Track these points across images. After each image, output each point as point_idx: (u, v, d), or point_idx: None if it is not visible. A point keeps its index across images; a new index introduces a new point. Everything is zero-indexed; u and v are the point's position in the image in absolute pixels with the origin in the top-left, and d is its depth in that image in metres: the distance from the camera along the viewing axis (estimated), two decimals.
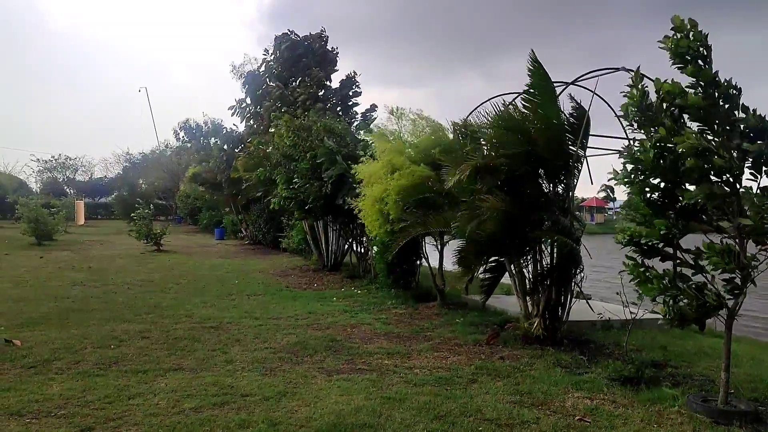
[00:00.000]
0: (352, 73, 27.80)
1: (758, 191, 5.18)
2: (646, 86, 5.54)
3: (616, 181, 5.84)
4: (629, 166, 5.57)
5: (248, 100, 28.95)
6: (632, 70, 5.92)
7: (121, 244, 25.86)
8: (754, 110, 5.10)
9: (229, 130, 32.44)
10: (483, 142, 8.39)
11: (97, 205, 62.82)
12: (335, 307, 11.12)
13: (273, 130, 18.01)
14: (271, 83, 28.29)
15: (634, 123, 5.61)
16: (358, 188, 11.65)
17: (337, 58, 28.10)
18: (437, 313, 10.47)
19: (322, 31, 27.92)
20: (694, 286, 5.45)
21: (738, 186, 5.22)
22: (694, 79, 5.17)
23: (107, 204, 62.05)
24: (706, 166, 5.16)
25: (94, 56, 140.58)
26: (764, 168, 5.13)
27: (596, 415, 5.43)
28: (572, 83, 8.46)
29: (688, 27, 5.15)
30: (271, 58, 28.06)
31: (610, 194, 6.58)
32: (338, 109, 24.32)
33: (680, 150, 5.25)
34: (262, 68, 28.26)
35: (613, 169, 5.83)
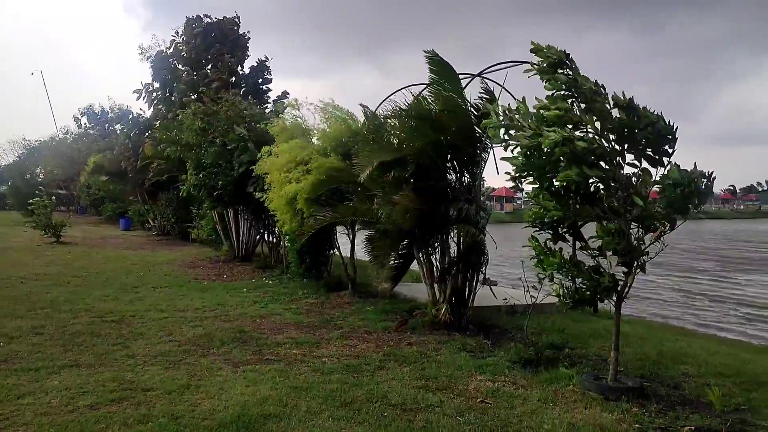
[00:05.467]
0: (264, 58, 27.24)
1: (639, 172, 5.58)
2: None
3: (518, 172, 6.07)
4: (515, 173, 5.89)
5: (156, 85, 27.76)
6: (533, 63, 6.17)
7: (15, 237, 24.27)
8: (627, 95, 5.54)
9: (135, 115, 31.06)
10: (394, 133, 8.47)
11: None
12: (245, 298, 10.94)
13: (184, 113, 17.35)
14: (181, 67, 27.27)
15: (507, 140, 5.89)
16: (268, 178, 11.51)
17: (249, 44, 27.45)
18: (348, 302, 10.51)
19: (235, 15, 27.13)
20: (589, 268, 5.74)
21: (616, 169, 5.56)
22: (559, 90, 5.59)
23: (1, 194, 57.99)
24: (569, 152, 5.44)
25: None
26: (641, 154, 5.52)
27: (497, 396, 5.63)
28: (479, 75, 8.67)
29: (545, 49, 5.65)
30: (181, 40, 27.03)
31: (518, 184, 6.80)
32: (250, 96, 23.71)
33: (546, 145, 5.51)
34: (171, 51, 27.15)
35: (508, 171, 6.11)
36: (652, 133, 5.45)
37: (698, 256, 31.33)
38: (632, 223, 5.57)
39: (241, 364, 6.55)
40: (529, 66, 7.38)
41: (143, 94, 28.35)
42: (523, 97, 5.84)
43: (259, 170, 11.87)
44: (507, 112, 5.83)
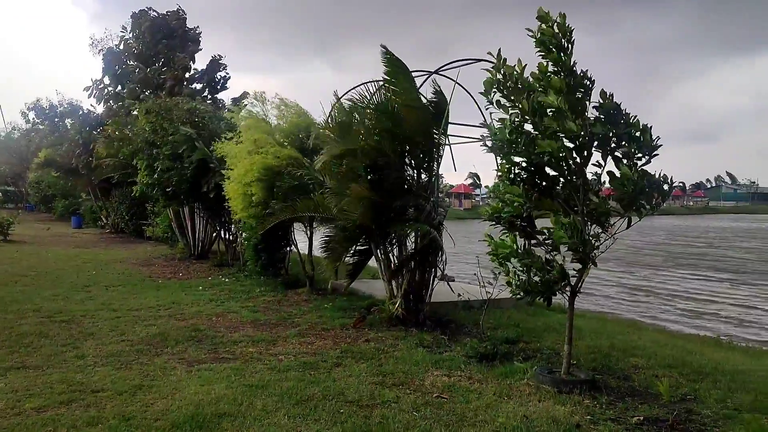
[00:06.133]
0: (218, 56, 26.81)
1: (605, 175, 5.69)
2: (507, 71, 5.83)
3: (488, 150, 6.09)
4: (490, 142, 5.86)
5: (106, 80, 27.07)
6: (493, 61, 6.22)
7: None
8: (611, 95, 5.52)
9: (86, 111, 30.23)
10: (352, 125, 8.46)
11: None
12: (201, 296, 10.78)
13: (135, 112, 17.05)
14: (132, 63, 26.66)
15: (494, 102, 5.88)
16: (225, 172, 11.37)
17: (200, 39, 26.97)
18: (306, 299, 10.46)
19: (178, 8, 26.54)
20: (542, 260, 5.83)
21: (584, 165, 5.65)
22: (556, 67, 5.52)
23: None
24: (559, 127, 5.48)
25: None
26: (610, 155, 5.61)
27: (453, 391, 5.68)
28: (435, 72, 8.74)
29: (556, 19, 5.47)
30: (130, 35, 26.41)
31: (477, 181, 6.86)
32: (206, 93, 23.33)
33: (537, 130, 5.55)
34: (121, 46, 26.52)
35: (484, 144, 6.11)
36: (629, 143, 5.52)
37: (645, 252, 32.22)
38: (587, 218, 5.68)
39: (195, 363, 6.45)
40: (480, 64, 7.51)
41: (94, 91, 27.64)
42: (520, 62, 5.78)
43: (220, 151, 11.67)
44: (506, 72, 5.78)
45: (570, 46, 5.54)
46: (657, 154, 5.48)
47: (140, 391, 5.48)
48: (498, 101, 5.84)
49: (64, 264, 15.35)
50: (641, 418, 5.05)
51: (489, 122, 6.09)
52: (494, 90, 5.83)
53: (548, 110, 5.48)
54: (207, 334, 7.78)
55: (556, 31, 5.48)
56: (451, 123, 8.58)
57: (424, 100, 8.22)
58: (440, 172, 8.73)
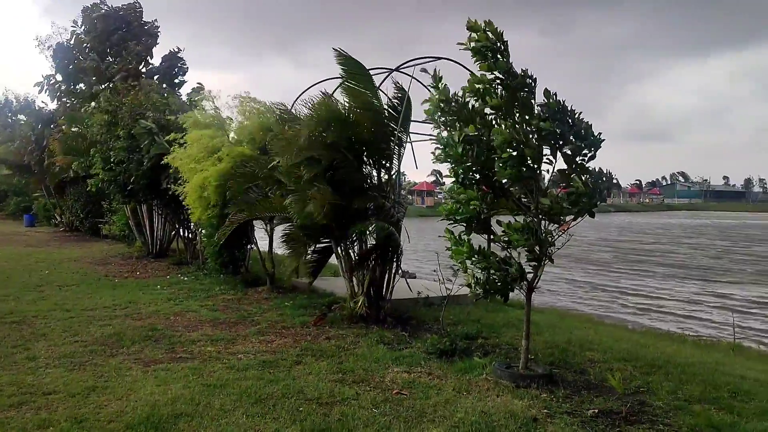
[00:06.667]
0: (176, 49, 26.32)
1: (555, 173, 5.78)
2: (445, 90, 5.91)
3: (435, 161, 6.16)
4: (439, 152, 5.91)
5: (59, 77, 26.32)
6: (453, 60, 6.28)
7: None
8: (555, 94, 5.63)
9: (38, 108, 29.37)
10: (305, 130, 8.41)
11: None
12: (159, 295, 10.60)
13: (92, 106, 16.66)
14: (84, 57, 25.97)
15: (440, 124, 5.95)
16: (178, 180, 11.23)
17: (158, 32, 26.43)
18: (266, 298, 10.38)
19: (135, 2, 25.93)
20: (499, 259, 5.90)
21: (538, 169, 5.73)
22: (492, 74, 5.61)
23: None
24: (515, 153, 5.58)
25: None
26: (558, 152, 5.70)
27: (413, 387, 5.70)
28: (395, 70, 8.75)
29: (483, 26, 5.57)
30: (81, 30, 25.72)
31: (439, 179, 6.89)
32: (164, 86, 22.84)
33: (495, 142, 5.61)
34: (72, 41, 25.80)
35: (433, 152, 6.16)
36: (575, 140, 5.62)
37: (598, 249, 33.00)
38: (542, 216, 5.77)
39: (152, 364, 6.34)
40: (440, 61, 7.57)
41: (45, 87, 26.86)
42: (463, 88, 5.87)
43: (172, 162, 11.51)
44: (444, 99, 5.86)
45: (505, 48, 5.66)
46: (600, 147, 5.63)
47: (93, 393, 5.36)
48: (444, 122, 5.91)
49: (15, 263, 14.90)
50: (596, 410, 5.15)
51: (438, 133, 6.13)
52: (438, 114, 5.91)
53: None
54: (164, 334, 7.65)
55: (491, 36, 5.58)
56: (412, 121, 8.62)
57: (385, 99, 8.23)
58: (403, 170, 8.77)
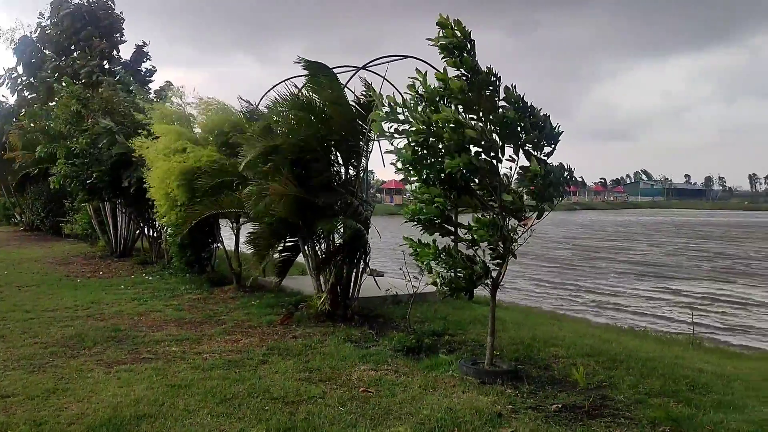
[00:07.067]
0: (142, 43, 25.86)
1: (518, 170, 5.84)
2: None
3: (397, 171, 6.20)
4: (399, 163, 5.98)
5: (20, 69, 25.68)
6: (420, 59, 6.31)
7: None
8: (514, 86, 5.72)
9: None
10: (276, 123, 8.37)
11: None
12: (123, 295, 10.42)
13: (56, 100, 16.28)
14: (48, 51, 25.40)
15: (392, 134, 5.99)
16: (144, 171, 11.05)
17: (123, 28, 25.98)
18: (233, 297, 10.28)
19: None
20: (464, 257, 5.96)
21: (498, 164, 5.80)
22: (458, 71, 5.65)
23: None
24: (460, 139, 5.61)
25: None
26: (521, 149, 5.77)
27: (380, 385, 5.71)
28: (362, 68, 8.74)
29: (452, 24, 5.62)
30: (47, 23, 25.15)
31: (408, 177, 6.91)
32: (133, 79, 22.40)
33: (437, 119, 5.63)
34: (37, 34, 25.19)
35: (393, 163, 6.20)
36: (537, 134, 5.69)
37: (559, 246, 33.60)
38: (504, 213, 5.83)
39: (114, 365, 6.23)
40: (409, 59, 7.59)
41: (5, 80, 26.18)
42: (412, 85, 5.89)
43: (139, 150, 11.31)
44: (392, 104, 5.90)
45: (471, 46, 5.71)
46: (559, 140, 5.76)
47: (54, 395, 5.25)
48: (396, 130, 5.95)
49: None
50: (560, 405, 5.24)
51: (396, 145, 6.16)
52: (388, 126, 5.95)
53: (449, 125, 5.59)
54: (128, 334, 7.53)
55: (458, 34, 5.63)
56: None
57: (353, 97, 8.23)
58: (372, 168, 8.79)
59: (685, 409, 5.15)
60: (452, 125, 5.51)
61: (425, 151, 5.81)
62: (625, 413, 5.09)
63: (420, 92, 5.78)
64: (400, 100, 5.95)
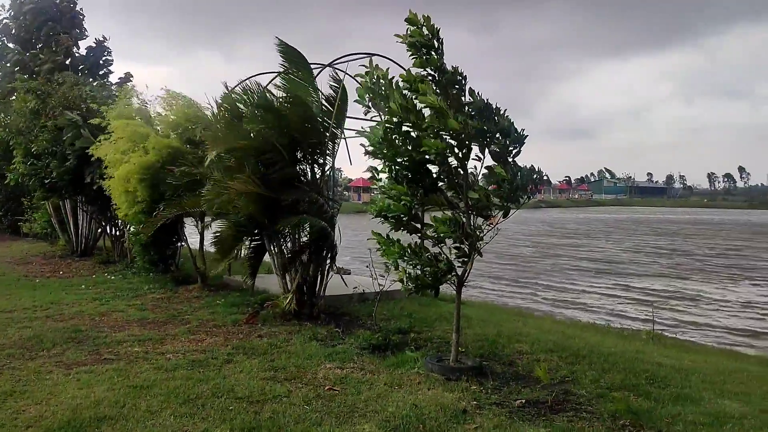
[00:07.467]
0: (102, 38, 25.33)
1: (483, 169, 5.89)
2: (378, 75, 5.95)
3: (368, 155, 6.18)
4: (369, 147, 5.94)
5: None
6: (386, 57, 6.31)
7: None
8: (478, 93, 5.77)
9: None
10: (242, 120, 8.29)
11: None
12: (84, 295, 10.21)
13: (15, 96, 15.83)
14: (10, 45, 24.72)
15: (370, 106, 5.98)
16: (104, 172, 10.85)
17: (84, 23, 25.42)
18: (198, 296, 10.16)
19: None
20: (430, 255, 5.98)
21: (466, 162, 5.84)
22: (425, 70, 5.66)
23: None
24: (442, 126, 5.63)
25: None
26: (487, 149, 5.82)
27: (345, 383, 5.71)
28: (329, 65, 8.71)
29: (422, 21, 5.61)
30: (8, 15, 24.49)
31: (376, 175, 6.90)
32: (90, 79, 21.93)
33: (424, 102, 5.65)
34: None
35: (363, 144, 6.19)
36: (501, 137, 5.74)
37: (521, 243, 34.13)
38: (471, 211, 5.88)
39: (74, 366, 6.11)
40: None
41: None
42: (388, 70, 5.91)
43: (97, 153, 11.10)
44: (376, 78, 5.88)
45: (439, 44, 5.72)
46: (524, 143, 5.79)
47: (11, 398, 5.12)
48: (374, 103, 5.95)
49: None
50: (523, 400, 5.30)
51: (371, 127, 6.17)
52: (368, 96, 5.94)
53: (429, 109, 5.61)
54: (89, 335, 7.38)
55: (426, 32, 5.64)
56: (347, 117, 8.60)
57: (321, 94, 8.18)
58: (339, 166, 8.78)
59: (645, 403, 5.27)
60: (435, 114, 5.51)
61: (395, 136, 5.81)
62: (586, 407, 5.18)
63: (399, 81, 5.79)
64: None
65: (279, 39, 7.71)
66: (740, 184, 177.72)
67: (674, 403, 5.31)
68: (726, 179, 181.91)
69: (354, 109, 8.35)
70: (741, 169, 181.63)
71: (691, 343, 10.73)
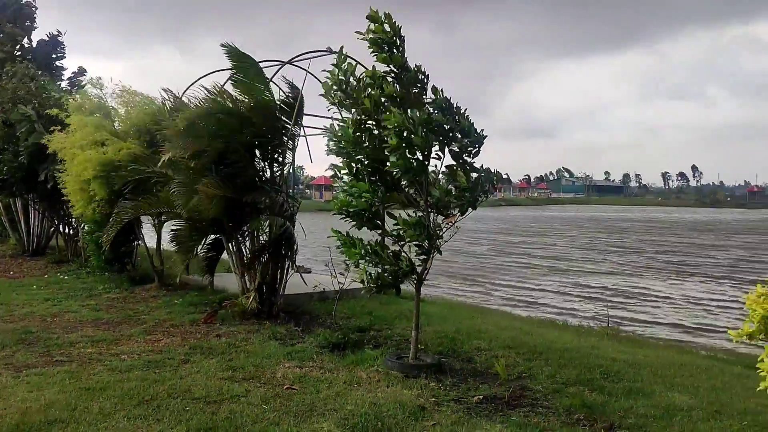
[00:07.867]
0: (56, 32, 24.60)
1: (443, 168, 5.94)
2: (347, 69, 5.91)
3: (329, 153, 6.17)
4: (332, 144, 5.91)
5: None
6: (347, 55, 6.26)
7: None
8: (441, 90, 5.80)
9: None
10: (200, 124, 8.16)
11: None
12: (35, 295, 9.93)
13: None
14: None
15: (336, 102, 5.95)
16: (59, 166, 10.55)
17: (36, 15, 24.64)
18: (155, 296, 9.98)
19: None
20: (391, 253, 6.00)
21: (427, 162, 5.87)
22: (388, 67, 5.67)
23: None
24: (404, 144, 5.67)
25: None
26: (447, 147, 5.86)
27: (304, 382, 5.68)
28: (288, 63, 8.65)
29: (383, 18, 5.60)
30: None
31: (337, 173, 6.87)
32: (41, 72, 21.26)
33: (384, 126, 5.67)
34: None
35: (327, 143, 6.16)
36: (461, 136, 5.79)
37: (475, 241, 34.62)
38: (430, 209, 5.91)
39: (24, 368, 5.93)
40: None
41: None
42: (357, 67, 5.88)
43: (52, 145, 10.78)
44: (343, 77, 5.86)
45: (401, 42, 5.73)
46: (483, 144, 5.87)
47: None
48: (341, 101, 5.93)
49: None
50: (481, 397, 5.36)
51: (330, 124, 6.16)
52: (335, 91, 5.92)
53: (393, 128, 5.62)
54: (39, 336, 7.18)
55: (387, 29, 5.65)
56: (306, 115, 8.55)
57: (278, 93, 8.11)
58: (301, 164, 8.72)
59: (599, 397, 5.39)
60: (399, 133, 5.54)
61: (361, 135, 5.81)
62: (543, 402, 5.27)
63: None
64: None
65: (228, 45, 7.62)
66: (693, 182, 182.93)
67: (627, 396, 5.44)
68: (680, 178, 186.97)
69: (311, 105, 8.34)
70: (694, 168, 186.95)
71: (645, 338, 10.99)
